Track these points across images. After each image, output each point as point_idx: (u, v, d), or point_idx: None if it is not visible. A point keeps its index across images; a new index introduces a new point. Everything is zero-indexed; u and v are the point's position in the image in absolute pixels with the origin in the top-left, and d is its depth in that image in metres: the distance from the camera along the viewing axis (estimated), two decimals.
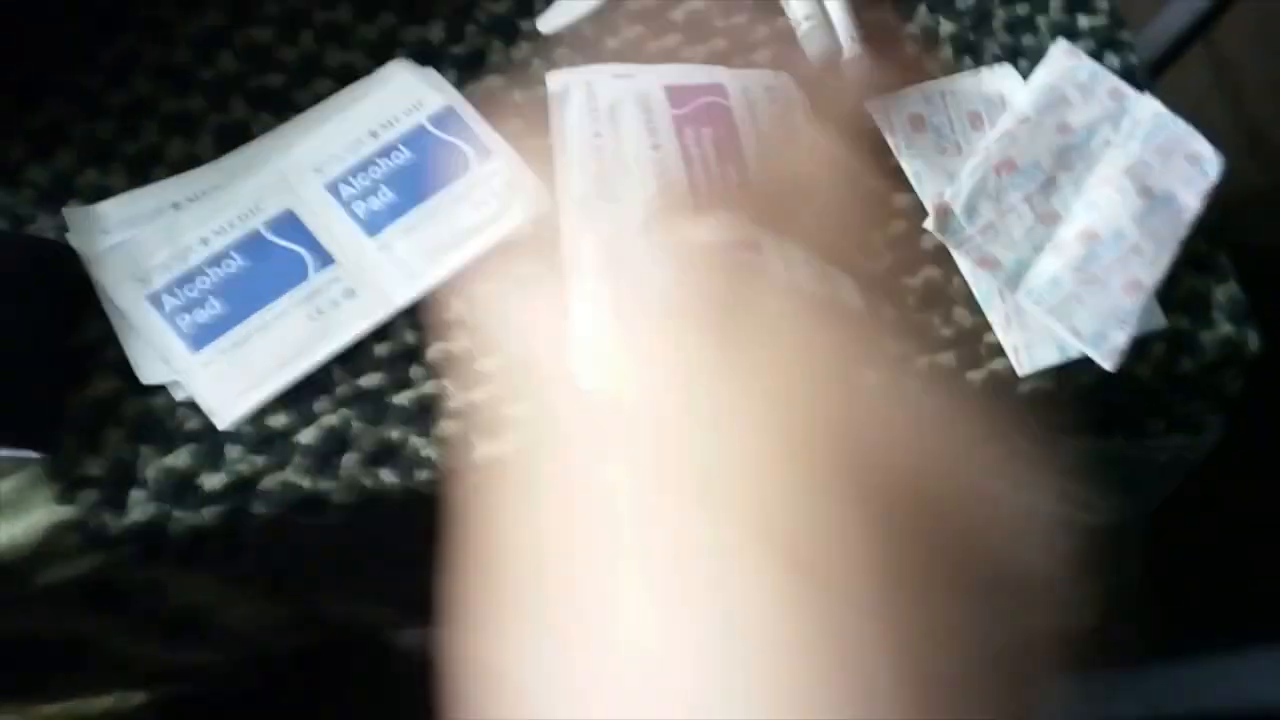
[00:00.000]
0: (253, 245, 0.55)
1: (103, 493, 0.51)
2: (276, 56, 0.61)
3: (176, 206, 0.55)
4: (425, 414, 0.55)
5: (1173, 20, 1.06)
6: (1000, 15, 0.69)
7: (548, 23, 0.64)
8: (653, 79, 0.63)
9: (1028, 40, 0.68)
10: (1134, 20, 0.73)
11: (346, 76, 0.61)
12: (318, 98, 0.60)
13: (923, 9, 0.68)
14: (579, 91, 0.62)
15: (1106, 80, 0.66)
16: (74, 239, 0.54)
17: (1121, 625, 0.81)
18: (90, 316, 0.54)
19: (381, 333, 0.56)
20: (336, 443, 0.54)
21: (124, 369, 0.53)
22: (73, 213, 0.55)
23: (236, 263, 0.55)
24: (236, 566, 0.59)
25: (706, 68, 0.65)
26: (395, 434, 0.54)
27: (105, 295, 0.54)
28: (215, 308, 0.54)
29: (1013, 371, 0.59)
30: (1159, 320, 0.61)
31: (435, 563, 0.68)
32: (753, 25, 0.66)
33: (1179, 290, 0.62)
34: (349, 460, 0.54)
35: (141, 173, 0.57)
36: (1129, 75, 0.67)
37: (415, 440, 0.54)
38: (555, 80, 0.63)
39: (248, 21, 0.61)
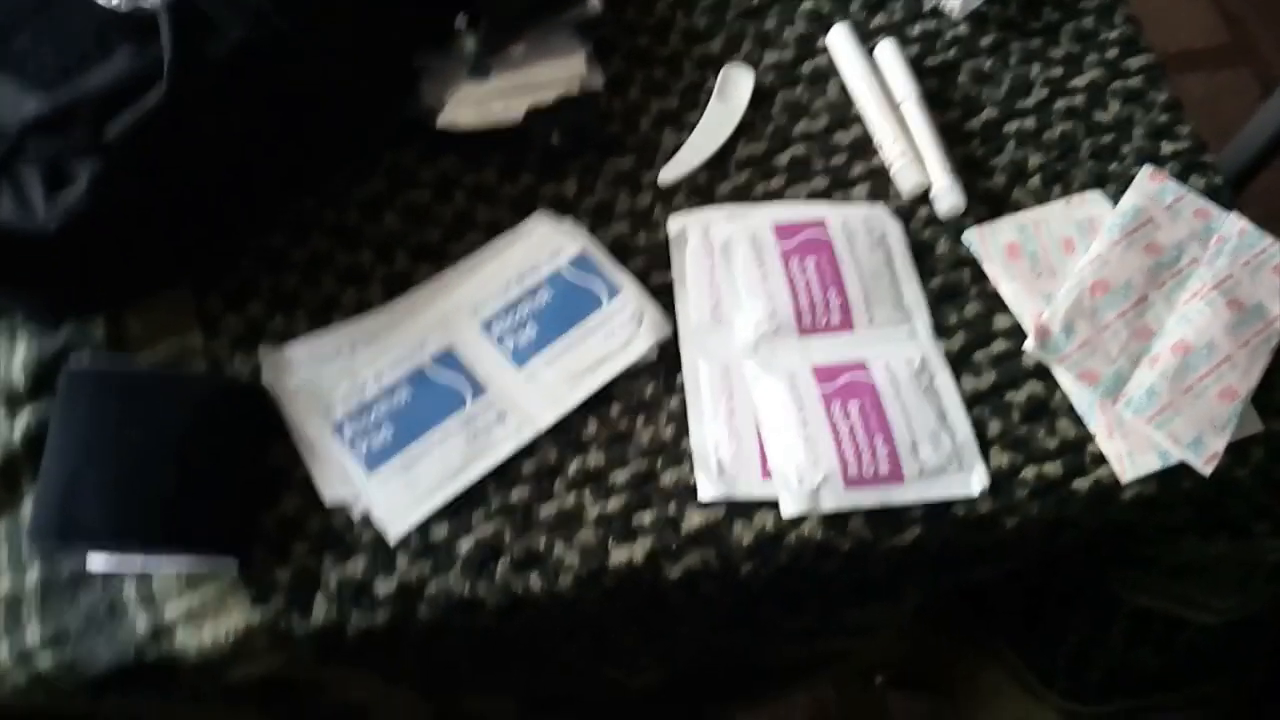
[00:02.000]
0: (418, 379, 0.63)
1: (290, 598, 0.58)
2: (433, 215, 0.70)
3: (353, 347, 0.64)
4: (567, 524, 0.61)
5: (1261, 130, 1.09)
6: (1086, 146, 0.74)
7: (667, 174, 0.72)
8: (761, 217, 0.70)
9: (1114, 167, 0.73)
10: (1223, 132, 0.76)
11: (494, 229, 0.69)
12: (470, 249, 0.69)
13: (1011, 143, 0.74)
14: (696, 232, 0.70)
15: (1192, 201, 0.70)
16: (266, 376, 0.63)
17: None
18: (279, 444, 0.62)
19: (528, 451, 0.63)
20: (490, 551, 0.60)
21: (309, 488, 0.61)
22: (266, 355, 0.64)
23: (405, 394, 0.62)
24: (397, 665, 0.65)
25: (809, 205, 0.72)
26: (541, 543, 0.60)
27: (293, 425, 0.62)
28: (387, 434, 0.61)
29: (1116, 479, 0.62)
30: (1256, 425, 0.64)
31: (568, 663, 0.73)
32: (850, 165, 0.73)
33: (1275, 396, 0.65)
34: (501, 567, 0.60)
35: (321, 318, 0.66)
36: (1213, 195, 0.71)
37: (559, 548, 0.60)
38: (674, 223, 0.71)
39: (408, 185, 0.71)
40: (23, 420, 0.62)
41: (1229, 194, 0.72)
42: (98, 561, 0.58)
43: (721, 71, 0.75)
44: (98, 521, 0.55)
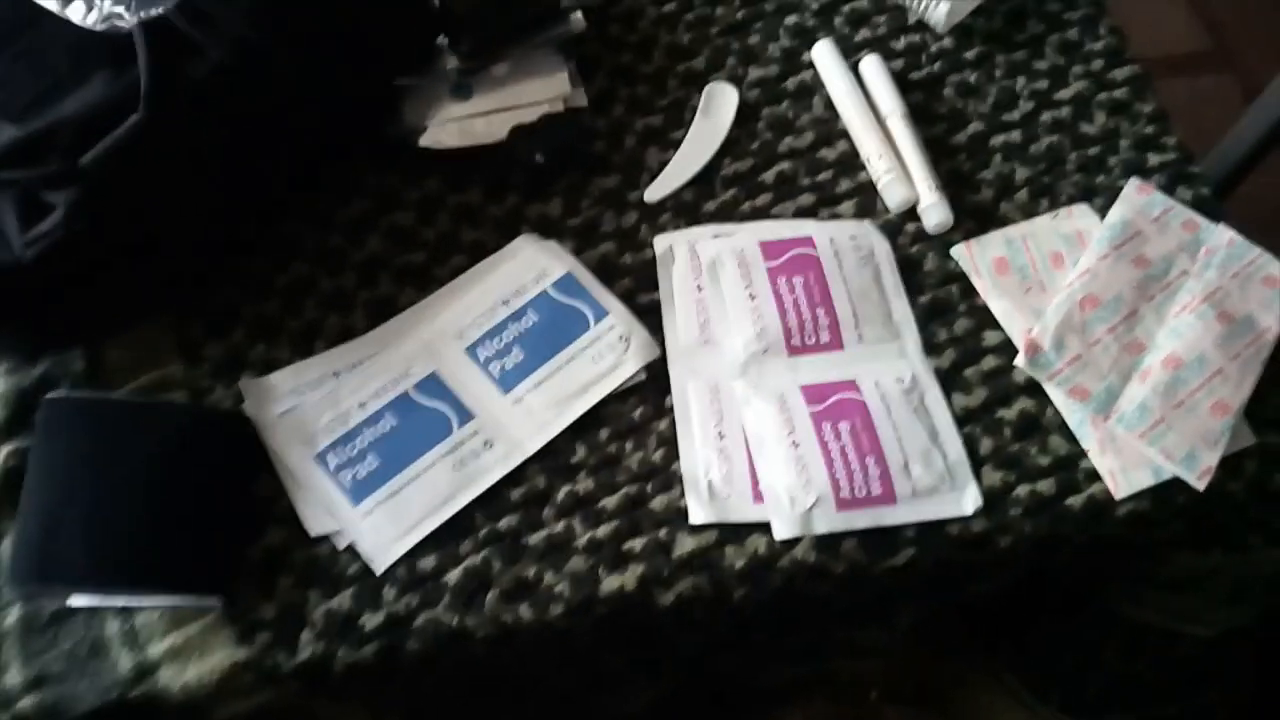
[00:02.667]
0: (403, 406, 0.62)
1: (276, 634, 0.57)
2: (418, 237, 0.69)
3: (336, 375, 0.63)
4: (556, 552, 0.60)
5: (1245, 136, 1.09)
6: (1073, 158, 0.74)
7: (653, 193, 0.71)
8: (748, 236, 0.70)
9: (1101, 180, 0.73)
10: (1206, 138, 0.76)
11: (479, 251, 0.68)
12: (455, 271, 0.68)
13: (998, 157, 0.73)
14: (682, 251, 0.69)
15: (1180, 213, 0.70)
16: (249, 407, 0.62)
17: None
18: (263, 475, 0.61)
19: (516, 478, 0.62)
20: (478, 581, 0.59)
21: (293, 520, 0.60)
22: (247, 384, 0.63)
23: (390, 422, 0.61)
24: (385, 698, 0.64)
25: (796, 222, 0.71)
26: (530, 572, 0.59)
27: (276, 456, 0.61)
28: (372, 464, 0.60)
29: (1110, 495, 0.62)
30: (1248, 438, 0.63)
31: (558, 691, 0.72)
32: (836, 181, 0.72)
33: (1266, 408, 0.64)
34: (490, 597, 0.59)
35: (304, 345, 0.65)
36: (1201, 206, 0.71)
37: (548, 577, 0.59)
38: (661, 243, 0.70)
39: (391, 207, 0.70)
40: (0, 456, 0.60)
41: (1217, 204, 0.72)
42: (80, 598, 0.57)
43: (706, 88, 0.75)
44: (78, 564, 0.54)
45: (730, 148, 0.73)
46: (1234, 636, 0.72)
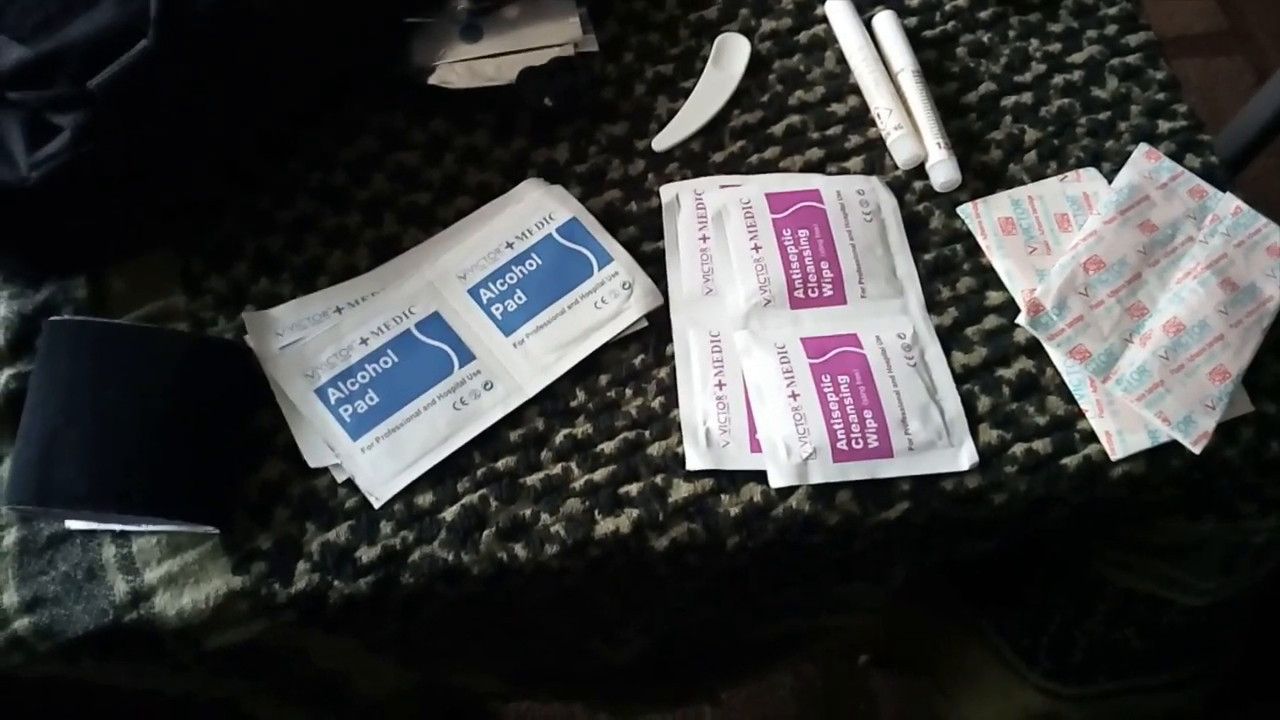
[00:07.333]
0: (405, 344, 0.62)
1: (271, 565, 0.58)
2: (423, 177, 0.69)
3: (339, 311, 0.63)
4: (553, 493, 0.60)
5: (1254, 117, 1.09)
6: (1083, 122, 0.73)
7: (661, 141, 0.71)
8: (754, 187, 0.69)
9: (1110, 144, 0.73)
10: (1217, 117, 0.76)
11: (484, 194, 0.68)
12: (460, 213, 0.68)
13: (1008, 118, 0.73)
14: (688, 201, 0.69)
15: (1187, 180, 0.70)
16: (250, 339, 0.62)
17: (1225, 707, 0.81)
18: (263, 407, 0.61)
19: (514, 420, 0.62)
20: (475, 519, 0.59)
21: (292, 454, 0.60)
22: (250, 317, 0.63)
23: (391, 360, 0.62)
24: (379, 633, 0.64)
25: (803, 175, 0.71)
26: (527, 512, 0.60)
27: (277, 388, 0.61)
28: (373, 399, 0.60)
29: (1106, 456, 0.62)
30: (1246, 406, 0.64)
31: (551, 635, 0.73)
32: (845, 135, 0.72)
33: (1265, 377, 0.64)
34: (486, 536, 0.59)
35: (307, 281, 0.65)
36: (1209, 174, 0.71)
37: (544, 517, 0.60)
38: (667, 192, 0.70)
39: (397, 147, 0.70)
40: (1, 379, 0.60)
41: (1224, 173, 0.72)
42: (77, 521, 0.57)
43: (717, 38, 0.74)
44: (76, 487, 0.54)
45: (740, 99, 0.73)
46: (1224, 607, 0.73)
